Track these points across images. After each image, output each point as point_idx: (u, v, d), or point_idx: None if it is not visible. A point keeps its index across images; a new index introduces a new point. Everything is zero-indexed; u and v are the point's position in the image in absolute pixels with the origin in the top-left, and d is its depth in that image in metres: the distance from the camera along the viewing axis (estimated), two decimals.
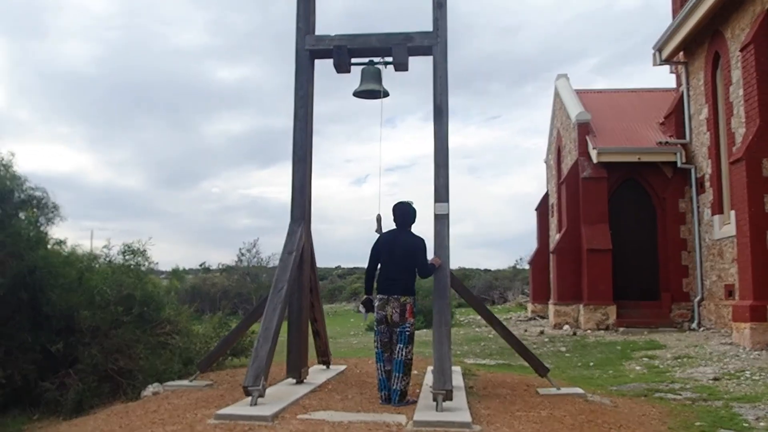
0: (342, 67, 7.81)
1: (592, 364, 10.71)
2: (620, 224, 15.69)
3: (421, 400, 6.27)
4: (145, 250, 8.32)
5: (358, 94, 7.86)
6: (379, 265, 6.62)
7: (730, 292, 13.40)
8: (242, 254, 33.13)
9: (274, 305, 6.53)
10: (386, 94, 7.79)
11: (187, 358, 8.42)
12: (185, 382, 7.54)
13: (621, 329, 14.52)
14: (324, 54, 7.81)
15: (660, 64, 16.25)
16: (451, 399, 5.71)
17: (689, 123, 15.40)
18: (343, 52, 7.68)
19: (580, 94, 17.87)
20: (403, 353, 6.29)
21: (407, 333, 6.31)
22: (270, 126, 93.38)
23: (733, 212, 13.07)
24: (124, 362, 7.66)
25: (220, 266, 39.14)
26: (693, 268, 15.22)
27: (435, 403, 5.63)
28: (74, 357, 7.72)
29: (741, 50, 11.88)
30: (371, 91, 7.76)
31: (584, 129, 16.00)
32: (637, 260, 15.76)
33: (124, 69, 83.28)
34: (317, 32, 7.93)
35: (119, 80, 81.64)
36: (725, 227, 13.71)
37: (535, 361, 7.32)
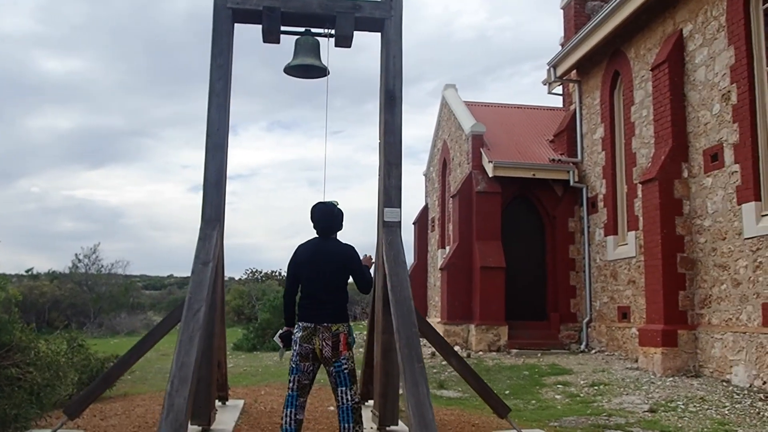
0: (271, 35, 6.32)
1: (507, 392, 9.85)
2: (509, 242, 15.19)
3: None
4: None
5: (291, 70, 6.40)
6: (300, 286, 5.16)
7: (624, 314, 13.23)
8: (79, 260, 29.60)
9: (191, 333, 4.89)
10: (327, 72, 6.40)
11: (45, 400, 6.43)
12: None
13: (514, 351, 13.94)
14: (249, 16, 6.27)
15: (554, 81, 16.08)
16: None
17: (581, 142, 15.28)
18: (275, 15, 6.19)
19: (468, 105, 17.34)
20: (348, 397, 4.92)
21: (346, 371, 4.94)
22: (102, 125, 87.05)
23: (632, 233, 12.94)
24: None
25: (50, 273, 35.07)
26: (581, 288, 15.03)
27: None
28: None
29: (652, 69, 11.71)
30: (309, 66, 6.33)
31: (478, 141, 15.39)
32: (526, 279, 15.35)
33: None
34: None
35: None
36: (620, 248, 13.58)
37: (495, 400, 6.21)
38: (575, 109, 15.54)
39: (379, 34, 6.43)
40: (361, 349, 15.27)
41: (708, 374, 10.28)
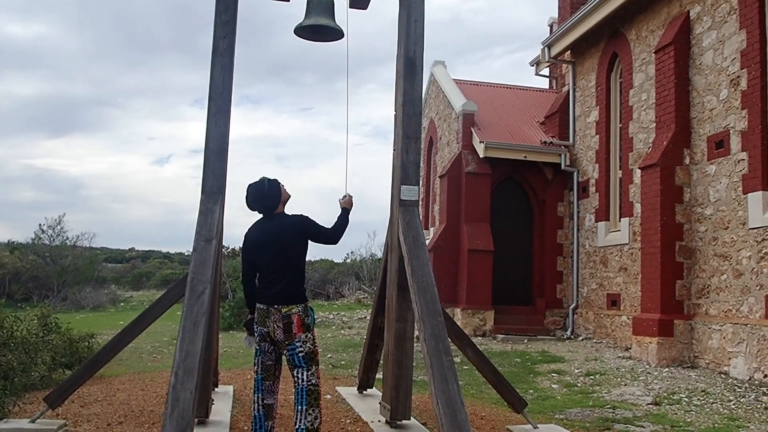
0: None
1: None
2: (496, 224, 14.83)
3: None
4: None
5: (302, 31, 5.85)
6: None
7: (613, 302, 13.00)
8: (42, 231, 28.49)
9: (195, 318, 4.38)
10: (342, 35, 5.86)
11: (18, 384, 5.86)
12: (25, 424, 5.09)
13: (500, 336, 13.65)
14: None
15: (548, 62, 15.69)
16: None
17: (573, 125, 14.94)
18: None
19: (457, 83, 16.87)
20: (304, 377, 4.61)
21: (300, 354, 4.61)
22: (65, 93, 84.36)
23: (625, 220, 12.67)
24: None
25: (10, 243, 33.92)
26: (568, 274, 14.79)
27: None
28: None
29: (656, 52, 11.37)
30: (323, 27, 5.79)
31: (469, 120, 14.95)
32: (512, 263, 15.04)
33: None
34: None
35: None
36: (612, 234, 13.31)
37: (512, 394, 5.83)
38: (568, 91, 15.17)
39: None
40: (344, 332, 14.89)
41: (704, 365, 10.09)
